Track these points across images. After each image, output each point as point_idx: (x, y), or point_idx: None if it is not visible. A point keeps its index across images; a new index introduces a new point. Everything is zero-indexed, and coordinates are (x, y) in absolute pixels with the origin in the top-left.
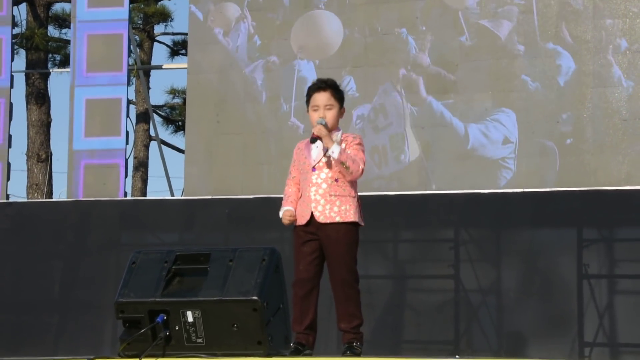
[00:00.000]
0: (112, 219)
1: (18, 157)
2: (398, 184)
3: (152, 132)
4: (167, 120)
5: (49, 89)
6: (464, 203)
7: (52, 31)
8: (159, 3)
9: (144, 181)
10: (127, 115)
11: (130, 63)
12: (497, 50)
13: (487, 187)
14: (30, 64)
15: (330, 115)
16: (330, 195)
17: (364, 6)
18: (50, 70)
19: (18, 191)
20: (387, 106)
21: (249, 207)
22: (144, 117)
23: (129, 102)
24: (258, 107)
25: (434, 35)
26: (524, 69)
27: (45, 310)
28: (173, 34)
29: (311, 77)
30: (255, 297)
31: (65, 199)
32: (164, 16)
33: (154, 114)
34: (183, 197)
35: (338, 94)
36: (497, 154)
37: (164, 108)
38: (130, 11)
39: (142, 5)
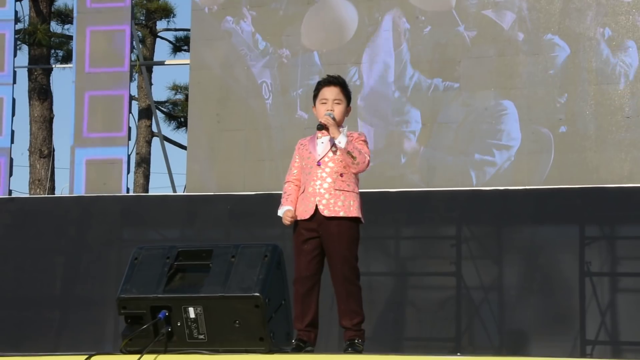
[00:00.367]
0: (114, 214)
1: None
2: (399, 181)
3: (154, 128)
4: (170, 117)
5: (51, 85)
6: (465, 200)
7: (55, 27)
8: None
9: (146, 177)
10: (130, 112)
11: (132, 59)
12: (500, 46)
13: (489, 184)
14: (32, 60)
15: (338, 110)
16: (335, 190)
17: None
18: (53, 66)
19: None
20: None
21: (251, 203)
22: (146, 113)
23: (131, 98)
24: (260, 103)
25: (434, 28)
26: (525, 65)
27: (47, 306)
28: (175, 30)
29: (315, 72)
30: (257, 294)
31: (68, 195)
32: (167, 12)
33: (156, 110)
34: (185, 194)
35: (346, 91)
36: (498, 150)
37: (167, 104)
38: (132, 7)
39: (145, 1)
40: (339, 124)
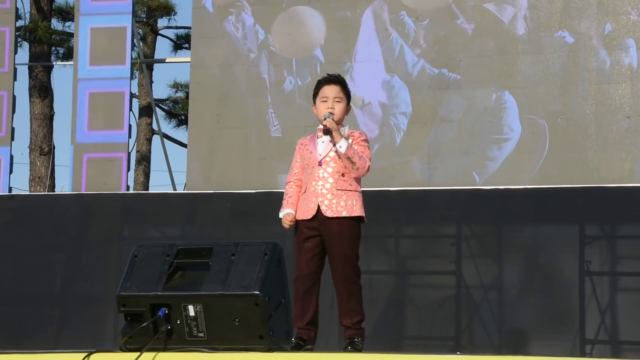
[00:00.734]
0: (114, 212)
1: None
2: (400, 180)
3: (154, 126)
4: (170, 114)
5: (52, 82)
6: (465, 199)
7: (56, 24)
8: None
9: (147, 175)
10: (130, 109)
11: (133, 57)
12: (501, 44)
13: (489, 183)
14: (33, 57)
15: (339, 109)
16: (337, 190)
17: None
18: (54, 63)
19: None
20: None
21: (251, 201)
22: (146, 111)
23: (131, 95)
24: (261, 101)
25: (433, 23)
26: (527, 64)
27: (47, 304)
28: (176, 27)
29: (315, 71)
30: (257, 292)
31: (68, 192)
32: (168, 10)
33: (157, 108)
34: (185, 191)
35: (346, 90)
36: (498, 149)
37: (167, 102)
38: (133, 4)
39: None
40: (338, 123)
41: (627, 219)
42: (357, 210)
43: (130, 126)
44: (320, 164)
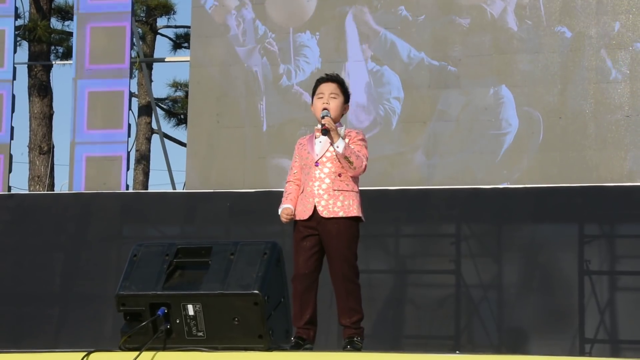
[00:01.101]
0: (114, 211)
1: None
2: (399, 179)
3: (154, 125)
4: (169, 114)
5: (51, 81)
6: (465, 198)
7: (55, 23)
8: None
9: (146, 174)
10: (129, 108)
11: (132, 56)
12: (500, 43)
13: (488, 182)
14: (32, 56)
15: (334, 104)
16: (334, 190)
17: None
18: (53, 62)
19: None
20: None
21: (250, 200)
22: (146, 110)
23: (131, 94)
24: (260, 100)
25: (431, 20)
26: (526, 63)
27: (46, 303)
28: (176, 26)
29: (315, 71)
30: (256, 291)
31: (67, 192)
32: (167, 9)
33: (156, 107)
34: (184, 191)
35: (343, 88)
36: (498, 148)
37: (166, 101)
38: (133, 4)
39: None
40: (335, 120)
41: (626, 218)
42: (354, 210)
43: (129, 125)
44: (316, 164)
